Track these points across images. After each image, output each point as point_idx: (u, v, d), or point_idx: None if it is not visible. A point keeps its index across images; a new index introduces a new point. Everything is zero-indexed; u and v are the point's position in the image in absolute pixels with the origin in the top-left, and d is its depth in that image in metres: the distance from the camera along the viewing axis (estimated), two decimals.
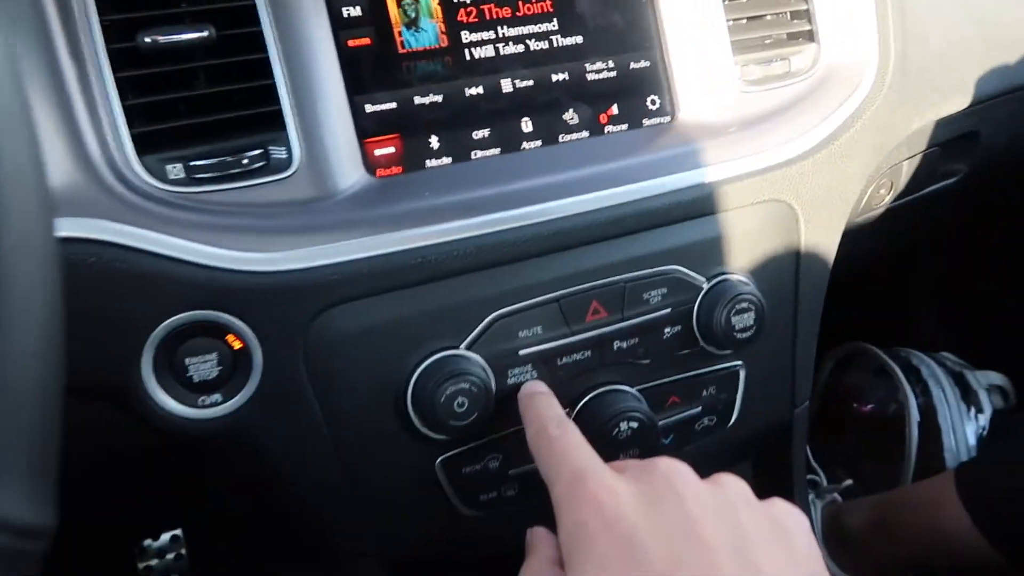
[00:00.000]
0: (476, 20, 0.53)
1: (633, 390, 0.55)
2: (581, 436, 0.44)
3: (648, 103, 0.58)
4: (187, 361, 0.46)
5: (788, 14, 0.62)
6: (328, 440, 0.50)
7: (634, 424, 0.52)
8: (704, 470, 0.41)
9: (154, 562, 1.05)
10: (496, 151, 0.54)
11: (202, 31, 0.46)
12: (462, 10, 0.53)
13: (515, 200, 0.51)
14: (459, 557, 0.61)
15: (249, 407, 0.48)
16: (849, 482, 0.99)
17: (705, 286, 0.55)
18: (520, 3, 0.54)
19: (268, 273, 0.46)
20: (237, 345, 0.47)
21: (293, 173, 0.48)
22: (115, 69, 0.45)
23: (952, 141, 0.74)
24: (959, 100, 0.70)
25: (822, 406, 1.13)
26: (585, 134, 0.56)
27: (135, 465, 0.61)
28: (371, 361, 0.49)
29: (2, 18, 0.41)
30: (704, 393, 0.58)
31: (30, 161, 0.28)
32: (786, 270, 0.59)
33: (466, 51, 0.53)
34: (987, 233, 1.09)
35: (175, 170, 0.46)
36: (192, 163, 0.46)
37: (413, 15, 0.52)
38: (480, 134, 0.53)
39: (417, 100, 0.52)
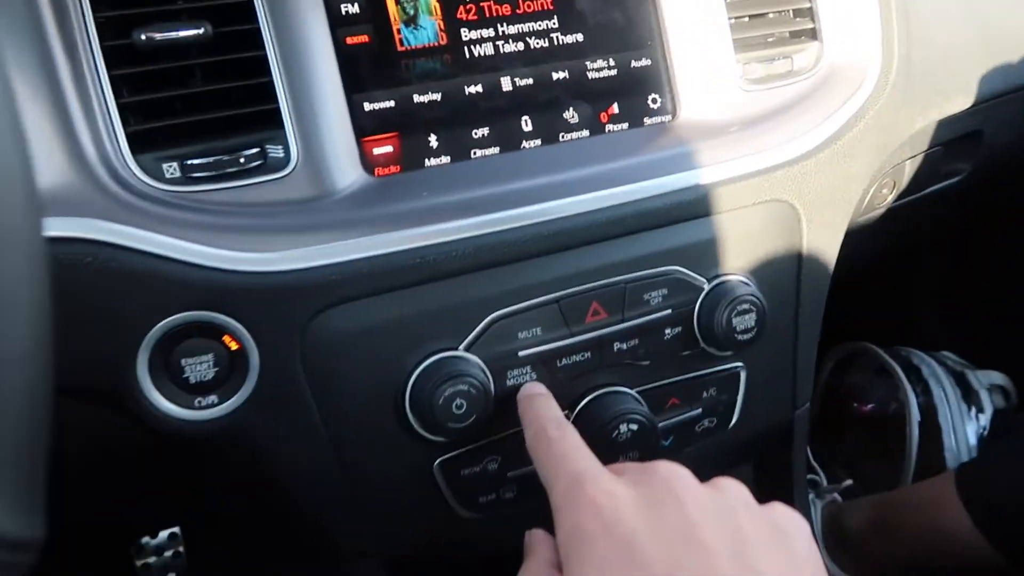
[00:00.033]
0: (476, 17, 0.52)
1: (633, 392, 0.54)
2: (580, 439, 0.44)
3: (649, 102, 0.57)
4: (183, 362, 0.46)
5: (791, 12, 0.61)
6: (326, 441, 0.50)
7: (634, 426, 0.51)
8: (704, 472, 0.41)
9: (152, 559, 1.05)
10: (495, 150, 0.53)
11: (198, 28, 0.46)
12: (461, 7, 0.52)
13: (515, 200, 0.50)
14: (458, 558, 0.60)
15: (246, 409, 0.47)
16: (849, 482, 0.99)
17: (706, 287, 0.55)
18: (520, 0, 0.53)
19: (265, 273, 0.45)
20: (234, 346, 0.46)
21: (290, 172, 0.48)
22: (110, 66, 0.44)
23: (955, 140, 0.74)
24: (963, 99, 0.69)
25: (822, 406, 1.12)
26: (585, 133, 0.55)
27: (132, 465, 0.60)
28: (369, 362, 0.49)
29: None
30: (704, 395, 0.58)
31: (15, 156, 0.27)
32: (788, 271, 0.59)
33: (465, 49, 0.52)
34: (989, 232, 1.09)
35: (171, 169, 0.46)
36: (188, 162, 0.46)
37: (412, 12, 0.51)
38: (479, 133, 0.53)
39: (416, 98, 0.52)
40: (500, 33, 0.53)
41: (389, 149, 0.51)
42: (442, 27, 0.52)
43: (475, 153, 0.53)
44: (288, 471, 0.51)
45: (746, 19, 0.59)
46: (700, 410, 0.58)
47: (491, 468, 0.53)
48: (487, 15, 0.53)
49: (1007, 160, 0.82)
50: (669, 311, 0.54)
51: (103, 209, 0.43)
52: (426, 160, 0.52)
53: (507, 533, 0.47)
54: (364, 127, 0.50)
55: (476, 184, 0.51)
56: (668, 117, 0.58)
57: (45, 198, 0.42)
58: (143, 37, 0.45)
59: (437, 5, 0.52)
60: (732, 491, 0.40)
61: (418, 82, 0.51)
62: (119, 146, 0.45)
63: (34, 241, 0.29)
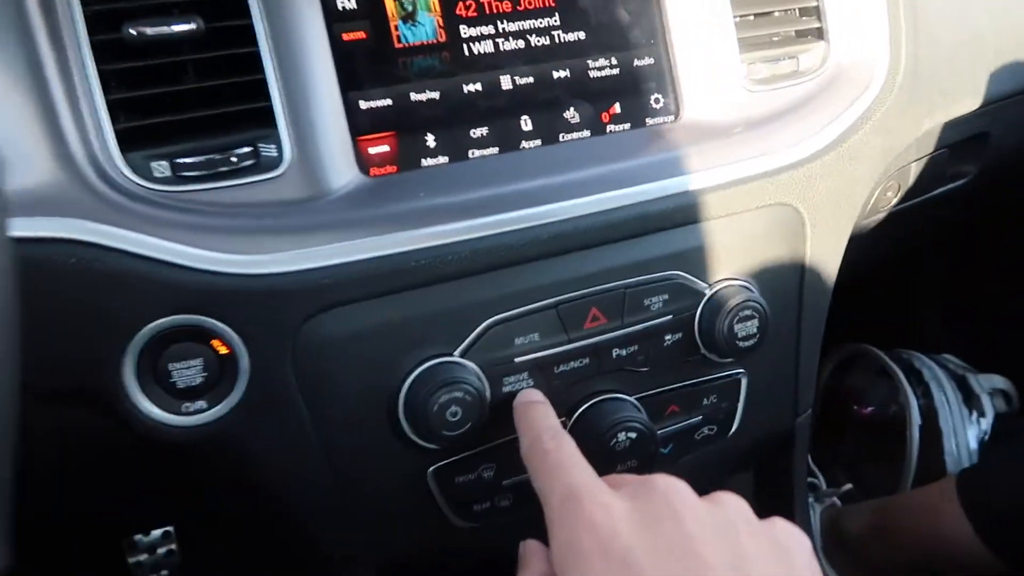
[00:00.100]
0: (475, 14, 0.51)
1: (632, 399, 0.54)
2: (577, 450, 0.43)
3: (651, 102, 0.56)
4: (171, 366, 0.45)
5: (797, 11, 0.60)
6: (318, 448, 0.49)
7: (632, 434, 0.50)
8: (703, 480, 0.40)
9: (144, 557, 1.04)
10: (494, 150, 0.52)
11: (190, 23, 0.44)
12: (461, 4, 0.51)
13: (513, 202, 0.49)
14: (452, 567, 0.60)
15: (235, 414, 0.46)
16: (849, 486, 0.98)
17: (707, 292, 0.54)
18: None
19: (256, 276, 0.44)
20: (223, 350, 0.45)
21: (283, 172, 0.47)
22: (98, 62, 0.43)
23: (961, 143, 0.73)
24: (970, 101, 0.68)
25: (822, 408, 1.12)
26: (586, 133, 0.54)
27: (122, 466, 0.59)
28: (362, 368, 0.48)
29: None
30: (704, 402, 0.57)
31: None
32: (791, 276, 0.58)
33: (465, 46, 0.51)
34: (993, 235, 1.08)
35: (160, 168, 0.45)
36: (178, 161, 0.45)
37: (410, 8, 0.50)
38: (478, 132, 0.52)
39: (413, 97, 0.50)
40: (500, 30, 0.52)
41: (385, 149, 0.50)
42: (441, 24, 0.51)
43: (473, 153, 0.52)
44: (279, 477, 0.50)
45: (751, 18, 0.58)
46: (700, 417, 0.57)
47: (486, 476, 0.52)
48: (487, 12, 0.51)
49: (1014, 163, 0.81)
50: (670, 317, 0.53)
51: (89, 209, 0.42)
52: (423, 160, 0.51)
53: (502, 542, 0.46)
54: (360, 126, 0.49)
55: (474, 185, 0.50)
56: (671, 118, 0.56)
57: (28, 197, 0.41)
58: (133, 32, 0.44)
59: (436, 1, 0.50)
60: (732, 506, 0.39)
61: (416, 80, 0.50)
62: (107, 144, 0.43)
63: None
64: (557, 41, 0.53)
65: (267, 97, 0.46)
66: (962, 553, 0.82)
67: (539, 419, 0.46)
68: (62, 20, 0.43)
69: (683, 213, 0.53)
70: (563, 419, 0.52)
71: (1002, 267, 1.10)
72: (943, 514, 0.84)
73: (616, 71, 0.55)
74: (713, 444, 0.59)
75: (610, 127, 0.55)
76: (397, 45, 0.50)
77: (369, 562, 0.56)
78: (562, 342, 0.51)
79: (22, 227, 0.40)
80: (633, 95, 0.55)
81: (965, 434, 1.00)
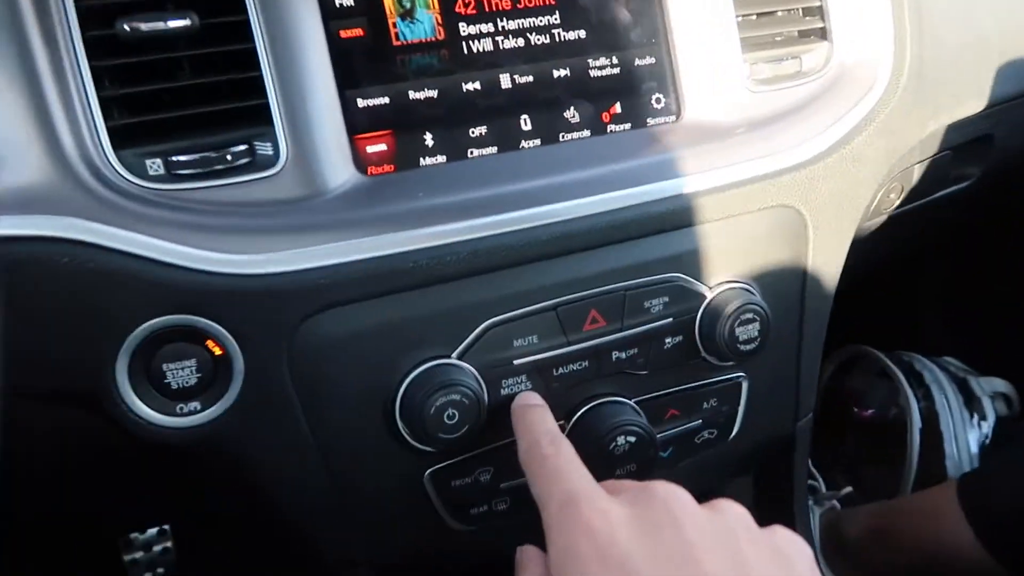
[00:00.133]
0: (475, 12, 0.51)
1: (631, 402, 0.53)
2: (575, 454, 0.42)
3: (653, 102, 0.55)
4: (165, 367, 0.44)
5: (800, 11, 0.60)
6: (314, 450, 0.49)
7: (632, 438, 0.50)
8: (703, 484, 0.40)
9: (139, 555, 1.03)
10: (493, 150, 0.52)
11: (185, 19, 0.44)
12: (460, 1, 0.50)
13: (512, 202, 0.49)
14: (449, 570, 0.59)
15: (230, 416, 0.46)
16: (848, 489, 0.98)
17: (708, 295, 0.53)
18: None
19: (251, 276, 0.44)
20: (218, 351, 0.45)
21: (279, 170, 0.46)
22: (91, 58, 0.43)
23: (965, 145, 0.72)
24: (975, 103, 0.67)
25: (822, 409, 1.11)
26: (586, 133, 0.54)
27: (115, 466, 0.59)
28: (359, 369, 0.47)
29: None
30: (705, 405, 0.57)
31: None
32: (793, 279, 0.57)
33: (464, 44, 0.51)
34: (996, 237, 1.07)
35: (154, 166, 0.44)
36: (172, 158, 0.44)
37: (409, 5, 0.49)
38: (477, 132, 0.51)
39: (411, 95, 0.50)
40: (500, 28, 0.51)
41: (383, 147, 0.49)
42: (440, 21, 0.50)
43: (472, 153, 0.51)
44: (274, 479, 0.49)
45: (754, 18, 0.58)
46: (700, 421, 0.57)
47: (483, 479, 0.52)
48: (487, 9, 0.51)
49: (1018, 165, 0.80)
50: (670, 319, 0.53)
51: (82, 207, 0.41)
52: (421, 159, 0.50)
53: (499, 545, 0.46)
54: (357, 124, 0.48)
55: (473, 185, 0.49)
56: (672, 118, 0.56)
57: (20, 195, 0.40)
58: (127, 27, 0.43)
59: None
60: (732, 513, 0.39)
61: (414, 78, 0.50)
62: (100, 141, 0.43)
63: None
64: (557, 40, 0.53)
65: (263, 94, 0.46)
66: (963, 558, 0.81)
67: (537, 423, 0.46)
68: (55, 15, 0.42)
69: (684, 215, 0.52)
70: (561, 422, 0.51)
71: (1004, 269, 1.09)
72: (944, 518, 0.83)
73: (617, 70, 0.54)
74: (713, 448, 0.58)
75: (610, 127, 0.54)
76: (395, 42, 0.49)
77: (366, 565, 0.56)
78: (561, 344, 0.51)
79: (13, 225, 0.40)
80: (634, 95, 0.55)
81: (966, 437, 1.00)
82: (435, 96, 0.50)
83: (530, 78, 0.52)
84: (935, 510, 0.85)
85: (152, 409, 0.45)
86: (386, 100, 0.49)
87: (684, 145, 0.53)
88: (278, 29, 0.46)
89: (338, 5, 0.48)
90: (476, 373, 0.48)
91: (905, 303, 1.22)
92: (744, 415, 0.58)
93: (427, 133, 0.50)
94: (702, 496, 0.40)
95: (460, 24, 0.50)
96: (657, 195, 0.51)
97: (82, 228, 0.41)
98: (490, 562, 0.51)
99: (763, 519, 0.39)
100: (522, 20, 0.52)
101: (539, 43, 0.52)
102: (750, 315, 0.52)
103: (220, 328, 0.44)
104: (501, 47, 0.51)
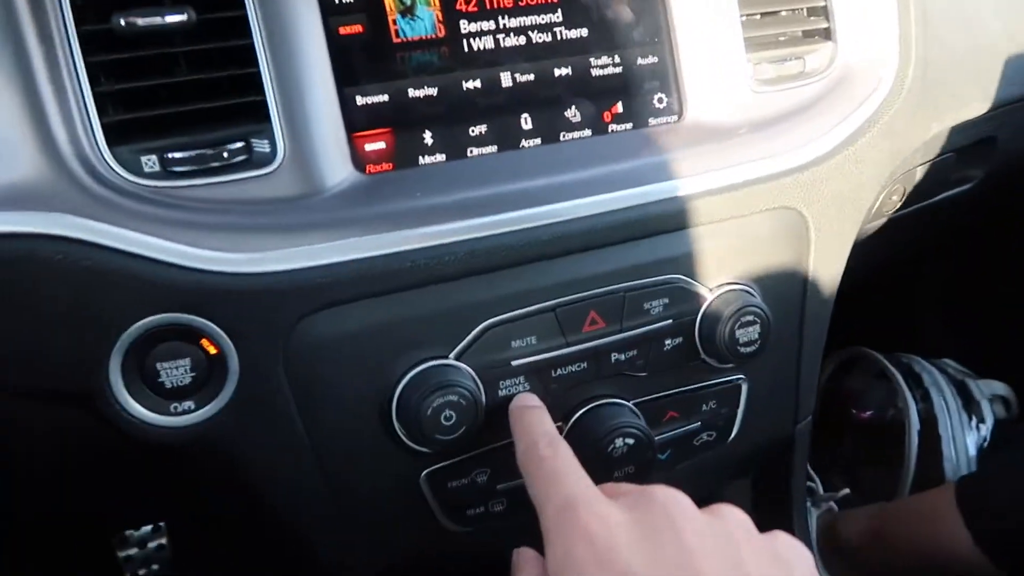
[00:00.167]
0: (476, 9, 0.50)
1: (630, 403, 0.53)
2: (573, 457, 0.42)
3: (655, 101, 0.55)
4: (159, 366, 0.43)
5: (804, 10, 0.59)
6: (309, 450, 0.48)
7: (630, 440, 0.49)
8: (701, 486, 0.39)
9: (134, 551, 1.03)
10: (493, 149, 0.51)
11: (182, 14, 0.43)
12: None
13: (512, 202, 0.48)
14: (445, 572, 0.59)
15: (224, 415, 0.45)
16: (846, 491, 0.98)
17: (709, 297, 0.53)
18: None
19: (247, 275, 0.43)
20: (212, 350, 0.44)
21: (276, 168, 0.46)
22: (87, 53, 0.42)
23: (968, 147, 0.72)
24: (980, 104, 0.67)
25: (820, 410, 1.11)
26: (587, 132, 0.53)
27: (110, 465, 0.58)
28: (355, 369, 0.47)
29: None
30: (704, 408, 0.56)
31: None
32: (794, 281, 0.57)
33: (464, 42, 0.50)
34: (997, 240, 1.07)
35: (150, 162, 0.44)
36: (168, 155, 0.44)
37: (409, 2, 0.49)
38: (477, 130, 0.51)
39: (411, 93, 0.49)
40: (501, 26, 0.51)
41: (382, 145, 0.49)
42: (440, 18, 0.49)
43: (472, 151, 0.51)
44: (268, 480, 0.49)
45: (758, 17, 0.57)
46: (699, 423, 0.57)
47: (480, 480, 0.51)
48: (488, 7, 0.50)
49: (1021, 167, 0.80)
50: (670, 321, 0.52)
51: (76, 204, 0.41)
52: (420, 158, 0.50)
53: (496, 547, 0.46)
54: (356, 122, 0.48)
55: (472, 184, 0.49)
56: (674, 118, 0.55)
57: (12, 191, 0.40)
58: (123, 22, 0.42)
59: None
60: (733, 519, 0.39)
61: (414, 76, 0.49)
62: (94, 137, 0.42)
63: None
64: (559, 38, 0.52)
65: (260, 91, 0.45)
66: (960, 561, 0.81)
67: (535, 424, 0.45)
68: (50, 10, 0.41)
69: (685, 216, 0.52)
70: (559, 424, 0.51)
71: (1005, 272, 1.09)
72: (942, 521, 0.83)
73: (619, 69, 0.54)
74: (712, 450, 0.58)
75: (612, 127, 0.54)
76: (395, 40, 0.49)
77: (361, 566, 0.55)
78: (560, 345, 0.50)
79: (5, 222, 0.39)
80: (636, 94, 0.54)
81: (964, 440, 0.99)
82: (435, 94, 0.50)
83: (531, 76, 0.52)
84: (933, 513, 0.85)
85: (146, 408, 0.44)
86: (385, 98, 0.49)
87: (686, 145, 0.53)
88: (276, 25, 0.45)
89: (337, 1, 0.47)
90: (474, 374, 0.48)
91: (905, 305, 1.21)
92: (743, 417, 0.58)
93: (426, 131, 0.50)
94: (701, 498, 0.39)
95: (461, 21, 0.50)
96: (658, 196, 0.51)
97: (76, 225, 0.40)
98: (486, 564, 0.51)
99: (761, 521, 0.39)
100: (524, 18, 0.51)
101: (541, 41, 0.52)
102: (751, 317, 0.52)
103: (215, 327, 0.44)
104: (502, 45, 0.51)
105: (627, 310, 0.51)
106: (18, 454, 0.55)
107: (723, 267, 0.54)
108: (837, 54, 0.59)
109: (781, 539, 0.39)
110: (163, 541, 1.02)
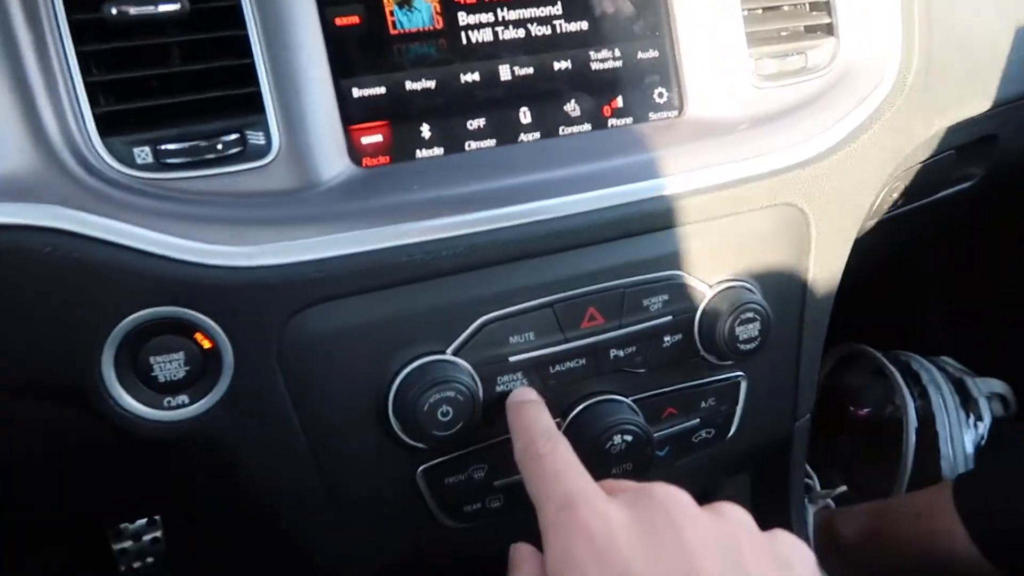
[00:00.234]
0: (474, 1, 0.49)
1: (628, 400, 0.52)
2: (572, 453, 0.42)
3: (655, 96, 0.54)
4: (152, 360, 0.43)
5: (807, 5, 0.59)
6: (304, 446, 0.48)
7: (628, 437, 0.49)
8: (699, 483, 0.39)
9: (129, 544, 1.03)
10: (491, 142, 0.50)
11: (175, 3, 0.43)
12: None
13: (510, 196, 0.48)
14: (441, 568, 0.58)
15: (218, 410, 0.45)
16: (843, 488, 0.97)
17: (709, 293, 0.53)
18: None
19: (242, 268, 0.43)
20: (207, 344, 0.44)
21: (272, 160, 0.45)
22: (78, 42, 0.41)
23: (969, 145, 0.71)
24: (982, 102, 0.66)
25: (818, 407, 1.10)
26: (587, 127, 0.53)
27: (103, 460, 0.58)
28: (351, 364, 0.46)
29: None
30: (703, 404, 0.56)
31: None
32: (794, 278, 0.57)
33: (463, 34, 0.49)
34: (997, 238, 1.06)
35: (142, 154, 0.43)
36: (161, 147, 0.43)
37: None
38: (475, 124, 0.50)
39: (408, 85, 0.49)
40: (500, 18, 0.50)
41: (378, 138, 0.48)
42: (438, 10, 0.49)
43: (470, 145, 0.50)
44: (264, 475, 0.49)
45: (760, 12, 0.56)
46: (698, 420, 0.56)
47: (477, 476, 0.51)
48: None
49: (1022, 166, 0.80)
50: (669, 318, 0.52)
51: (67, 196, 0.40)
52: (417, 151, 0.49)
53: (494, 543, 0.45)
54: (352, 114, 0.47)
55: (470, 178, 0.48)
56: (674, 113, 0.55)
57: (2, 182, 0.39)
58: (114, 11, 0.42)
59: None
60: (733, 517, 0.38)
61: (411, 68, 0.49)
62: (86, 128, 0.42)
63: None
64: (559, 31, 0.51)
65: (255, 82, 0.45)
66: (957, 559, 0.81)
67: (533, 420, 0.45)
68: None
69: (685, 212, 0.51)
70: (557, 420, 0.50)
71: (1004, 270, 1.09)
72: (939, 519, 0.83)
73: (619, 63, 0.53)
74: (710, 447, 0.57)
75: (611, 121, 0.53)
76: (392, 31, 0.48)
77: (357, 563, 0.55)
78: (558, 342, 0.50)
79: None
80: (636, 89, 0.54)
81: (962, 438, 0.99)
82: (432, 87, 0.49)
83: (530, 70, 0.51)
84: (930, 511, 0.85)
85: (139, 402, 0.44)
86: (382, 90, 0.48)
87: (686, 141, 0.53)
88: (271, 15, 0.45)
89: None
90: (471, 370, 0.48)
91: (903, 302, 1.21)
92: (742, 415, 0.57)
93: (424, 124, 0.49)
94: (699, 495, 0.39)
95: (459, 13, 0.49)
96: (658, 191, 0.50)
97: (66, 217, 0.40)
98: (483, 560, 0.50)
99: (759, 518, 0.39)
100: (523, 10, 0.50)
101: (540, 34, 0.51)
102: (750, 314, 0.51)
103: (209, 321, 0.43)
104: (501, 37, 0.50)
105: (626, 306, 0.51)
106: (12, 451, 0.55)
107: (723, 264, 0.53)
108: (839, 50, 0.58)
109: (782, 538, 0.39)
110: (158, 534, 1.02)
